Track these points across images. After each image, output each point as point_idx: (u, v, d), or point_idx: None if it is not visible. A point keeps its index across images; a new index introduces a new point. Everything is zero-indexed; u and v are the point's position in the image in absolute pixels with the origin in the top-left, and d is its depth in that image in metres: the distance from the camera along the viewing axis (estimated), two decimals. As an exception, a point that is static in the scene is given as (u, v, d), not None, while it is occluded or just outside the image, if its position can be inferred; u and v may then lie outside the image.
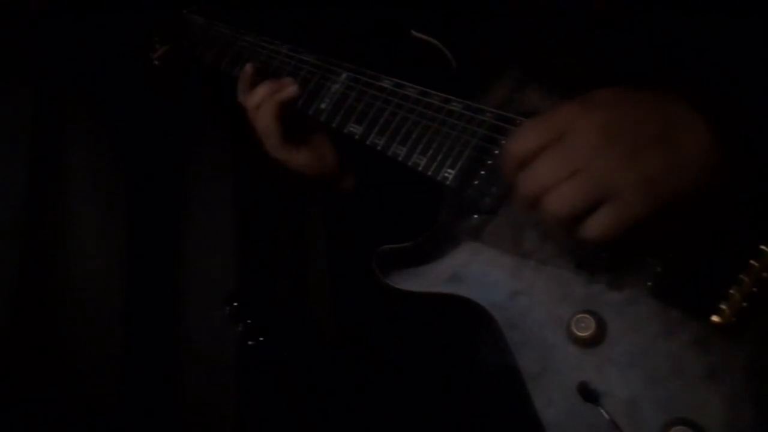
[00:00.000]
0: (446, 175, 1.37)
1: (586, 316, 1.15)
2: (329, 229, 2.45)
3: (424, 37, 1.50)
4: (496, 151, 1.32)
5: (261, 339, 2.15)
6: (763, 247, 1.07)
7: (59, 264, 2.24)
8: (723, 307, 1.07)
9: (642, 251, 1.16)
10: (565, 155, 1.04)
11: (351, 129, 1.52)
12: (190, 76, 2.04)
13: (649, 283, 1.14)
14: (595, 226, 1.03)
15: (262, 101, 1.57)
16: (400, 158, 1.43)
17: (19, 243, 2.17)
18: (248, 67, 1.64)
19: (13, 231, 2.17)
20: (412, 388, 2.23)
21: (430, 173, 1.39)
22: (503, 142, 1.31)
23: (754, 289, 1.06)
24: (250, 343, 2.15)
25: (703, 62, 1.24)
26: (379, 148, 1.46)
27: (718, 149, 1.01)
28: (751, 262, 1.07)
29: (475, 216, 1.34)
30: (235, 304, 2.13)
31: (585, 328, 1.14)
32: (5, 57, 2.17)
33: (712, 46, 1.24)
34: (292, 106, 1.58)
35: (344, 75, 1.56)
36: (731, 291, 1.07)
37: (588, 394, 1.13)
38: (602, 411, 1.11)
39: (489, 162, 1.33)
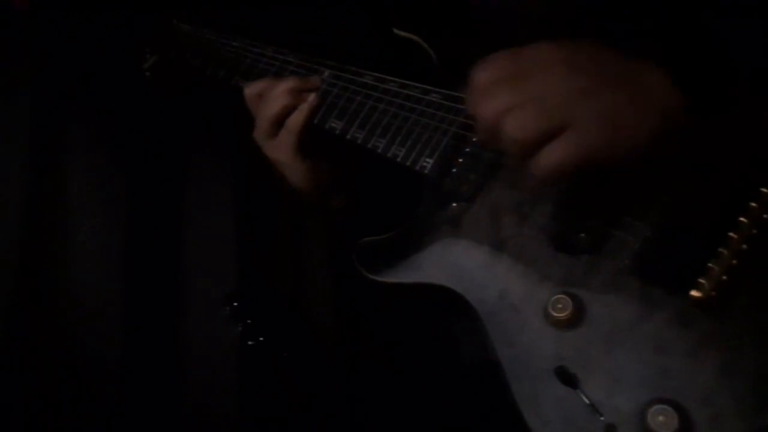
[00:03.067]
0: (424, 164, 1.37)
1: (563, 297, 1.13)
2: (328, 232, 2.45)
3: (407, 34, 1.50)
4: (474, 139, 1.31)
5: (261, 339, 2.14)
6: (742, 219, 1.04)
7: (59, 264, 2.24)
8: (702, 281, 1.05)
9: (614, 222, 1.14)
10: (526, 83, 1.05)
11: (332, 124, 1.52)
12: (182, 83, 2.05)
13: (627, 262, 1.12)
14: (552, 154, 1.02)
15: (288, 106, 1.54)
16: (379, 150, 1.44)
17: (19, 243, 2.18)
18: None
19: (13, 231, 2.17)
20: (399, 385, 2.22)
21: (408, 164, 1.39)
22: None
23: (734, 261, 1.04)
24: (250, 343, 2.14)
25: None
26: (359, 141, 1.47)
27: (675, 98, 1.03)
28: (731, 234, 1.05)
29: (454, 204, 1.34)
30: (235, 304, 2.13)
31: (562, 309, 1.13)
32: (4, 57, 2.19)
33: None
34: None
35: (327, 73, 1.57)
36: (710, 265, 1.05)
37: (566, 377, 1.11)
38: (581, 395, 1.09)
39: (467, 150, 1.33)
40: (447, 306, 1.34)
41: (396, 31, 1.52)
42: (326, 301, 2.44)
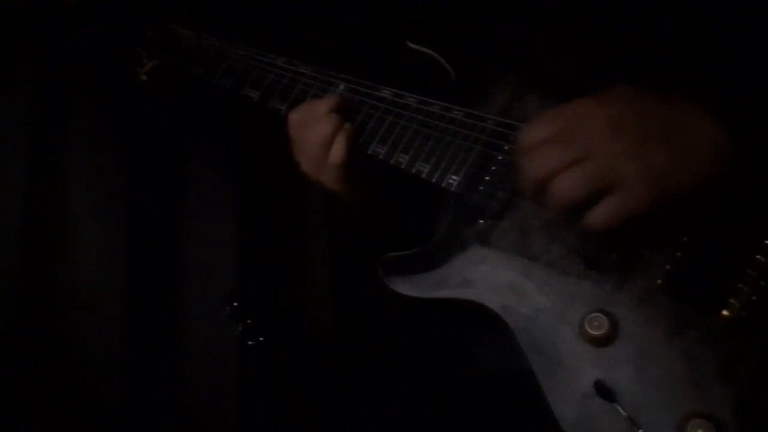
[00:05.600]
0: (451, 181, 1.38)
1: (599, 315, 1.16)
2: (331, 230, 2.46)
3: (421, 48, 1.50)
4: (500, 157, 1.33)
5: (261, 339, 2.15)
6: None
7: (59, 264, 2.23)
8: (732, 301, 1.10)
9: (648, 246, 1.17)
10: (573, 144, 1.08)
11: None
12: (182, 89, 2.02)
13: (659, 281, 1.15)
14: (599, 214, 1.07)
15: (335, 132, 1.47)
16: (402, 166, 1.43)
17: (19, 243, 2.16)
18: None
19: (13, 231, 2.16)
20: (410, 389, 2.24)
21: (434, 180, 1.39)
22: (506, 147, 1.32)
23: (762, 282, 1.09)
24: (250, 343, 2.15)
25: (702, 63, 1.27)
26: (381, 157, 1.46)
27: (724, 146, 1.06)
28: (757, 257, 1.10)
29: (481, 221, 1.35)
30: (235, 304, 2.13)
31: (598, 327, 1.16)
32: (5, 57, 2.17)
33: (709, 47, 1.27)
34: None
35: (342, 86, 1.54)
36: (739, 285, 1.10)
37: (604, 391, 1.14)
38: (619, 408, 1.12)
39: (493, 168, 1.34)
40: (468, 319, 1.36)
41: (411, 45, 1.51)
42: (326, 301, 2.45)
